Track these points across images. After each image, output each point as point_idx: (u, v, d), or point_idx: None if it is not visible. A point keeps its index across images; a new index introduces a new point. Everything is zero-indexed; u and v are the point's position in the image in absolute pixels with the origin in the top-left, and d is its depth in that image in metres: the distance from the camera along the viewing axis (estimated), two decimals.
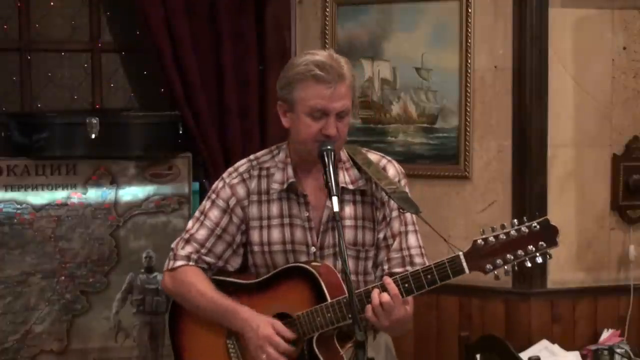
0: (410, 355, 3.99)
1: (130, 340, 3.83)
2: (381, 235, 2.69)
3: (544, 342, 3.82)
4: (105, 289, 3.81)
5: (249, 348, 2.61)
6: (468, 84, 3.92)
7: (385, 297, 2.45)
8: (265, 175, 2.72)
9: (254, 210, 2.71)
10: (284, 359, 2.55)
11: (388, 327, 2.50)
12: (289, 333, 2.56)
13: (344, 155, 2.72)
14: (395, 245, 2.68)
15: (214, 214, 2.73)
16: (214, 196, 2.76)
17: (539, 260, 2.42)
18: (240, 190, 2.72)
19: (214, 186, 2.78)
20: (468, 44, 3.91)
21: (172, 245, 2.78)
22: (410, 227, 2.71)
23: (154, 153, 3.83)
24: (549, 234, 2.41)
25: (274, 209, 2.70)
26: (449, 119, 3.98)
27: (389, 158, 2.77)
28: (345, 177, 2.68)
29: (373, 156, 2.75)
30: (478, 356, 3.66)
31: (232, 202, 2.72)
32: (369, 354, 2.60)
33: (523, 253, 2.41)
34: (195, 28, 3.98)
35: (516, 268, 2.44)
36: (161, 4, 3.88)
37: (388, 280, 2.47)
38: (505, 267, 2.42)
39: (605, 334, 3.91)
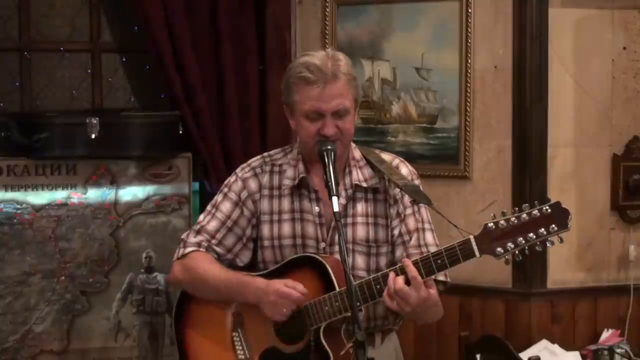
0: (410, 355, 3.98)
1: (130, 340, 3.83)
2: (396, 232, 2.69)
3: (544, 342, 3.83)
4: (105, 289, 3.81)
5: (265, 312, 2.58)
6: (468, 84, 3.92)
7: (399, 282, 2.44)
8: (278, 172, 2.74)
9: (265, 205, 2.72)
10: (301, 286, 2.53)
11: (411, 312, 2.48)
12: (300, 286, 2.55)
13: (357, 153, 2.74)
14: (413, 241, 2.68)
15: (226, 206, 2.74)
16: (226, 189, 2.77)
17: (550, 244, 2.40)
18: (252, 184, 2.74)
19: (226, 181, 2.80)
20: (468, 44, 3.91)
21: (182, 236, 2.79)
22: (426, 225, 2.71)
23: (154, 153, 3.83)
24: (561, 217, 2.39)
25: (285, 203, 2.71)
26: (449, 119, 3.98)
27: (402, 159, 2.78)
28: (359, 175, 2.69)
29: (386, 156, 2.77)
30: (478, 356, 3.66)
31: (244, 195, 2.73)
32: (375, 358, 2.62)
33: (534, 236, 2.39)
34: (195, 28, 3.98)
35: (527, 252, 2.42)
36: (161, 4, 3.88)
37: (407, 262, 2.46)
38: (517, 250, 2.41)
39: (605, 334, 3.91)
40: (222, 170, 3.96)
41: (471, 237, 2.44)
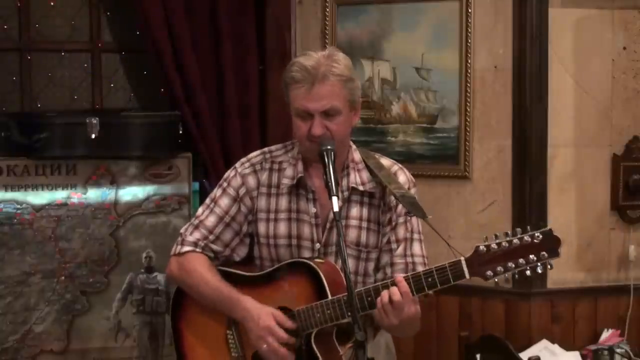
0: (410, 355, 3.99)
1: (130, 340, 3.83)
2: (385, 239, 2.70)
3: (544, 342, 3.83)
4: (105, 289, 3.81)
5: (249, 337, 2.62)
6: (468, 84, 3.92)
7: (396, 294, 2.45)
8: (277, 169, 2.75)
9: (262, 202, 2.74)
10: (284, 350, 2.56)
11: (398, 325, 2.50)
12: (289, 323, 2.58)
13: (357, 156, 2.74)
14: (400, 250, 2.69)
15: (224, 201, 2.75)
16: (225, 184, 2.78)
17: (539, 270, 2.43)
18: (251, 181, 2.75)
19: (225, 175, 2.80)
20: (468, 44, 3.91)
21: (181, 231, 2.80)
22: (415, 235, 2.71)
23: (154, 153, 3.83)
24: (551, 245, 2.41)
25: (283, 202, 2.72)
26: (449, 119, 3.98)
27: (401, 165, 2.78)
28: (357, 178, 2.70)
29: (385, 161, 2.77)
30: (478, 356, 3.66)
31: (242, 191, 2.74)
32: (368, 354, 2.62)
33: (524, 262, 2.41)
34: (195, 28, 3.98)
35: (516, 276, 2.45)
36: (161, 4, 3.88)
37: (400, 278, 2.48)
38: (506, 274, 2.43)
39: (605, 334, 3.91)
40: (222, 170, 3.93)
41: (462, 258, 2.45)
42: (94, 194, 3.78)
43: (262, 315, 2.58)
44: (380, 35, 4.07)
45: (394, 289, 2.46)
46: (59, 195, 3.75)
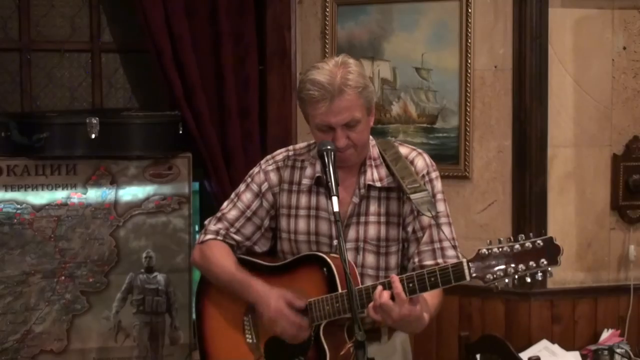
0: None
1: (130, 340, 3.83)
2: (410, 229, 2.73)
3: (544, 342, 3.83)
4: (105, 289, 3.81)
5: (262, 321, 2.69)
6: (468, 84, 3.92)
7: (384, 297, 2.46)
8: (299, 167, 2.82)
9: (284, 199, 2.81)
10: (296, 330, 2.62)
11: (393, 324, 2.53)
12: (299, 302, 2.64)
13: (375, 152, 2.78)
14: (426, 237, 2.72)
15: (247, 196, 2.85)
16: (249, 180, 2.88)
17: (539, 277, 2.43)
18: (273, 178, 2.83)
19: (250, 171, 2.91)
20: (468, 44, 3.91)
21: (205, 222, 2.92)
22: (442, 219, 2.74)
23: (154, 153, 3.83)
24: (551, 252, 2.41)
25: (303, 200, 2.79)
26: (449, 119, 3.98)
27: (420, 150, 2.81)
28: (374, 175, 2.74)
29: (404, 150, 2.80)
30: (478, 356, 3.66)
31: (264, 187, 2.83)
32: (381, 355, 2.66)
33: (524, 267, 2.42)
34: (195, 28, 3.98)
35: (516, 282, 2.45)
36: (161, 4, 3.88)
37: (394, 279, 2.49)
38: (506, 279, 2.44)
39: (605, 334, 3.91)
40: (222, 170, 3.96)
41: (464, 260, 2.46)
42: (94, 194, 3.78)
43: (272, 298, 2.65)
44: (380, 35, 4.07)
45: (382, 292, 2.47)
46: (59, 195, 3.75)
